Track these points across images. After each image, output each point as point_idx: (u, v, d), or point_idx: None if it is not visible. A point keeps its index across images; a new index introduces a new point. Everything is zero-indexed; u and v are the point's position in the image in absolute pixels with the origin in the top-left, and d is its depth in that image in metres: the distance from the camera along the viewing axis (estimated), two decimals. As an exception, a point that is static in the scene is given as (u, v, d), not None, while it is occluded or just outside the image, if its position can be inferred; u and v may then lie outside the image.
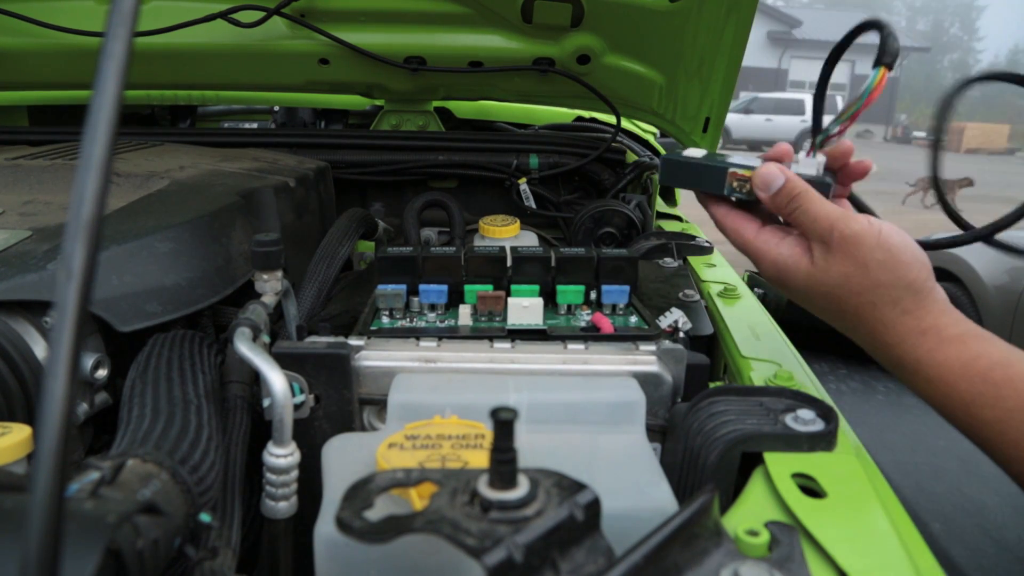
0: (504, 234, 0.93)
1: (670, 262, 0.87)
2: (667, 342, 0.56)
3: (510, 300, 0.60)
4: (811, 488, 0.42)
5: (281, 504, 0.48)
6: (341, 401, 0.54)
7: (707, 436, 0.46)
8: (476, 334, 0.59)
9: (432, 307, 0.63)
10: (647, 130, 1.59)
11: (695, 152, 0.62)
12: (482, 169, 1.14)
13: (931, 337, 0.54)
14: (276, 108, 1.79)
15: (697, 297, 0.74)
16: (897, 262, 0.54)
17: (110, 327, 0.53)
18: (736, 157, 0.61)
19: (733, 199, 0.59)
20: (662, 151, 1.48)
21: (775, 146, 0.62)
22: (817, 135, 0.60)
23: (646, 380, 0.53)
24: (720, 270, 0.92)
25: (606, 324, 0.60)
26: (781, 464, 0.43)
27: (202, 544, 0.40)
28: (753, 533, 0.36)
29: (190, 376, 0.51)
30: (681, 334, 0.58)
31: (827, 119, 0.61)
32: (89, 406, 0.53)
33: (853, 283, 0.54)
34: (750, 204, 0.59)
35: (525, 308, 0.60)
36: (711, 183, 0.59)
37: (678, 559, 0.32)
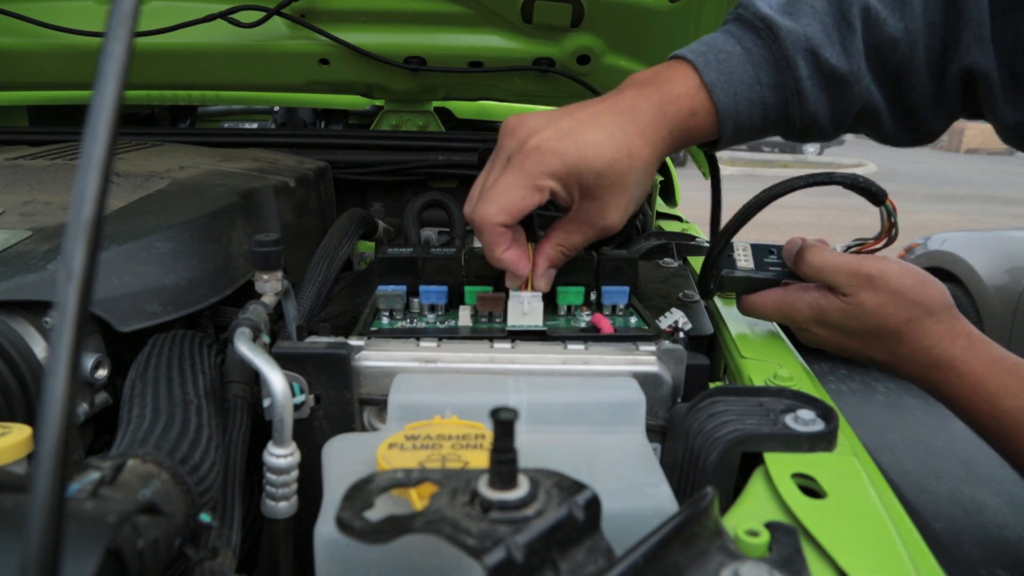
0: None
1: (670, 262, 0.87)
2: (667, 342, 0.56)
3: (510, 301, 0.60)
4: (811, 488, 0.42)
5: (281, 504, 0.48)
6: (341, 401, 0.54)
7: (707, 436, 0.46)
8: (476, 335, 0.59)
9: (432, 308, 0.63)
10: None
11: (740, 255, 0.68)
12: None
13: (963, 339, 0.61)
14: (276, 108, 1.79)
15: (697, 297, 0.74)
16: (924, 282, 0.61)
17: (110, 327, 0.53)
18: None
19: None
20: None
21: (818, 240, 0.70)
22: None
23: (646, 380, 0.53)
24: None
25: (606, 325, 0.60)
26: (781, 464, 0.43)
27: (202, 544, 0.40)
28: (753, 533, 0.36)
29: (190, 376, 0.51)
30: (681, 334, 0.58)
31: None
32: (89, 406, 0.53)
33: (889, 309, 0.60)
34: None
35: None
36: (758, 288, 0.67)
37: (678, 559, 0.32)
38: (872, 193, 0.63)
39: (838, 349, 0.65)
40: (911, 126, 0.67)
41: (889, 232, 0.65)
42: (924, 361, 0.62)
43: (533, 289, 0.60)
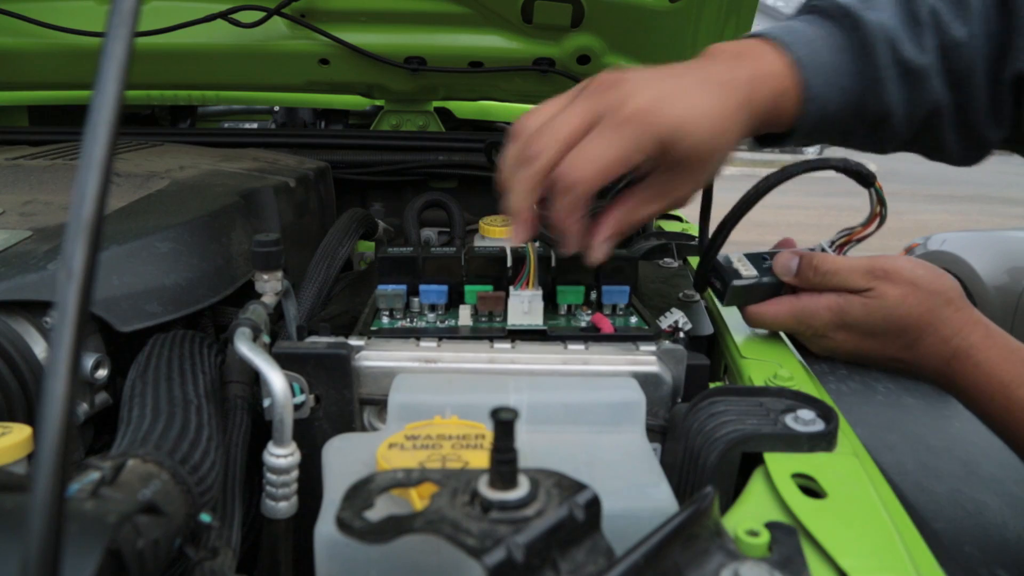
0: (504, 234, 0.93)
1: (670, 262, 0.87)
2: (667, 342, 0.56)
3: (510, 300, 0.60)
4: (811, 488, 0.42)
5: (281, 504, 0.48)
6: (341, 401, 0.54)
7: (707, 436, 0.46)
8: (476, 334, 0.59)
9: (432, 307, 0.63)
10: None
11: (739, 266, 0.66)
12: (482, 169, 1.14)
13: (981, 328, 0.61)
14: (276, 108, 1.79)
15: (697, 297, 0.74)
16: (936, 272, 0.61)
17: (110, 327, 0.53)
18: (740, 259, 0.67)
19: None
20: None
21: (782, 240, 0.69)
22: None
23: (646, 380, 0.53)
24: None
25: (606, 324, 0.60)
26: (781, 464, 0.44)
27: (202, 544, 0.40)
28: (753, 533, 0.36)
29: (190, 376, 0.51)
30: (681, 334, 0.58)
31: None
32: (89, 406, 0.53)
33: (911, 299, 0.60)
34: None
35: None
36: (764, 295, 0.65)
37: (678, 559, 0.32)
38: (862, 175, 0.63)
39: (856, 353, 0.63)
40: (968, 136, 0.65)
41: (878, 216, 0.64)
42: (943, 352, 0.61)
43: (591, 258, 0.57)
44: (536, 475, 0.33)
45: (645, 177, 0.57)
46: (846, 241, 0.66)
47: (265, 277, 0.57)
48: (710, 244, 0.66)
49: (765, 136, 0.63)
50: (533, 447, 0.45)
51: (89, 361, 0.52)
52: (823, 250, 0.65)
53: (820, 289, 0.62)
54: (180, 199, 0.69)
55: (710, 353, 0.69)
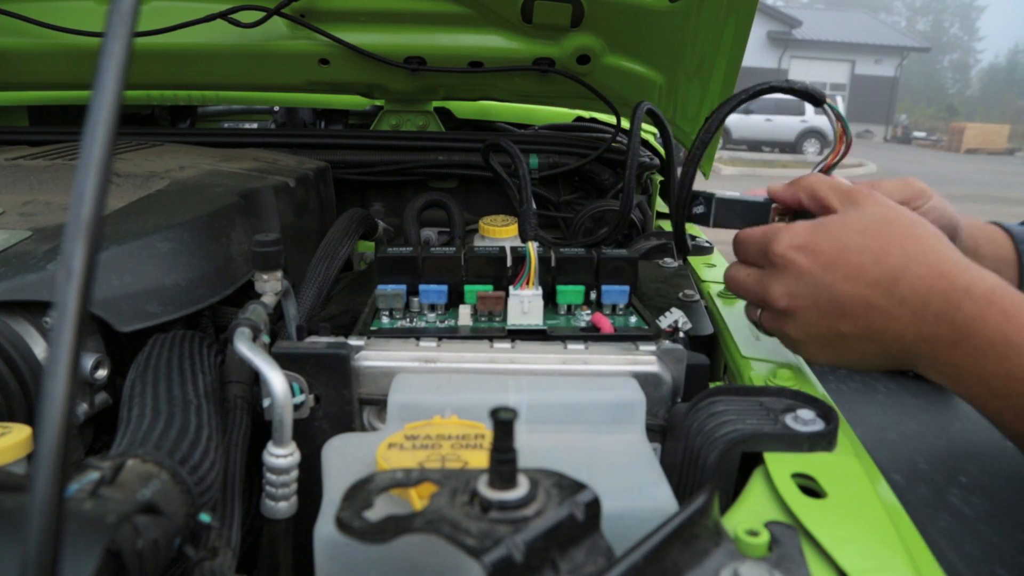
0: (504, 234, 0.93)
1: (670, 262, 0.87)
2: (667, 342, 0.56)
3: (510, 300, 0.60)
4: (811, 488, 0.42)
5: (281, 504, 0.48)
6: (341, 401, 0.54)
7: (707, 436, 0.46)
8: (476, 334, 0.59)
9: (432, 307, 0.63)
10: (647, 130, 1.59)
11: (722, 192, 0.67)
12: (482, 169, 1.14)
13: (992, 273, 0.51)
14: (276, 108, 1.79)
15: (697, 297, 0.74)
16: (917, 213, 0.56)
17: (110, 327, 0.53)
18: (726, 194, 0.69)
19: None
20: (662, 151, 1.48)
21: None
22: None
23: (646, 380, 0.53)
24: (720, 270, 0.92)
25: (606, 324, 0.60)
26: (781, 464, 0.43)
27: (202, 544, 0.40)
28: (753, 533, 0.36)
29: (190, 376, 0.51)
30: (681, 334, 0.58)
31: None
32: (89, 406, 0.53)
33: (891, 216, 0.53)
34: None
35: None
36: (752, 217, 0.65)
37: (678, 559, 0.32)
38: (811, 96, 0.64)
39: (822, 287, 0.52)
40: None
41: (843, 135, 0.62)
42: (942, 288, 0.49)
43: None
44: (536, 475, 0.33)
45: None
46: (824, 171, 0.64)
47: (265, 277, 0.57)
48: (687, 162, 0.65)
49: None
50: (533, 447, 0.45)
51: (89, 361, 0.52)
52: None
53: (808, 195, 0.59)
54: (180, 199, 0.69)
55: (710, 353, 0.69)
